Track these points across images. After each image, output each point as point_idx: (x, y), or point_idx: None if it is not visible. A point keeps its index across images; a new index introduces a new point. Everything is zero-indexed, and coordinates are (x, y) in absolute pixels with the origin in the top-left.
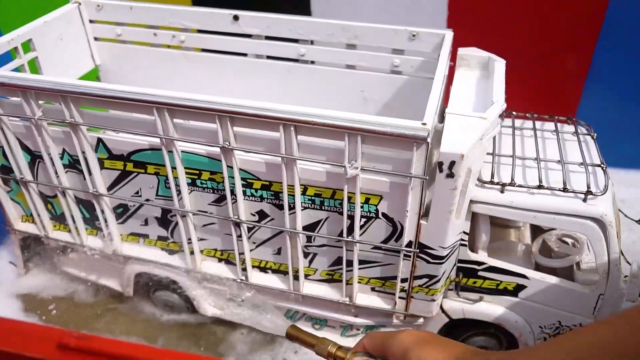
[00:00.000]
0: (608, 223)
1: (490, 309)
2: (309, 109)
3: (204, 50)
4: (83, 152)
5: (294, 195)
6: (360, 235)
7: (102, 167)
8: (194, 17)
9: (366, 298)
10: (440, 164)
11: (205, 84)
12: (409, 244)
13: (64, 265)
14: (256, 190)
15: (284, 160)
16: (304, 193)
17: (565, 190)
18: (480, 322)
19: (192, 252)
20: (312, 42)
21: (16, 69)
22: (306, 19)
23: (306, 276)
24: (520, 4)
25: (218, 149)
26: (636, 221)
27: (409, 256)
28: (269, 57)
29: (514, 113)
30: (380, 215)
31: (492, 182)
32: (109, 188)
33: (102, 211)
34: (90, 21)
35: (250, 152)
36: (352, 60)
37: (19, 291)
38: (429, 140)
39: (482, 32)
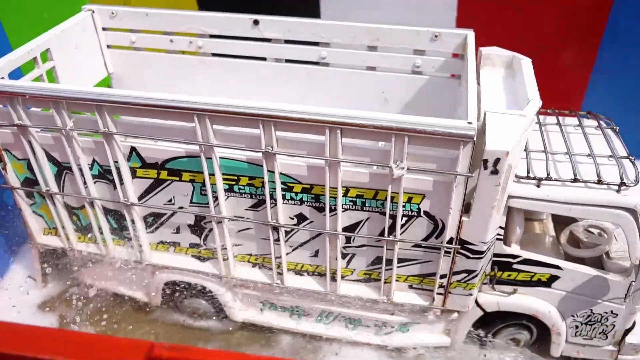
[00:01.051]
0: None
1: (524, 300)
2: (355, 111)
3: (220, 55)
4: (115, 162)
5: (335, 198)
6: (402, 234)
7: (134, 176)
8: (213, 23)
9: (404, 295)
10: (485, 161)
11: (223, 89)
12: (450, 241)
13: (84, 277)
14: (296, 193)
15: (327, 163)
16: (345, 195)
17: (599, 182)
18: (512, 314)
19: (225, 258)
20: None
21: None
22: (328, 22)
23: (343, 277)
24: (527, 1)
25: (258, 154)
26: None
27: (449, 252)
28: (288, 61)
29: None
30: (422, 214)
31: (528, 177)
32: (140, 197)
33: (132, 221)
34: (104, 29)
35: (294, 156)
36: (374, 62)
37: (39, 304)
38: (475, 138)
39: (490, 29)
